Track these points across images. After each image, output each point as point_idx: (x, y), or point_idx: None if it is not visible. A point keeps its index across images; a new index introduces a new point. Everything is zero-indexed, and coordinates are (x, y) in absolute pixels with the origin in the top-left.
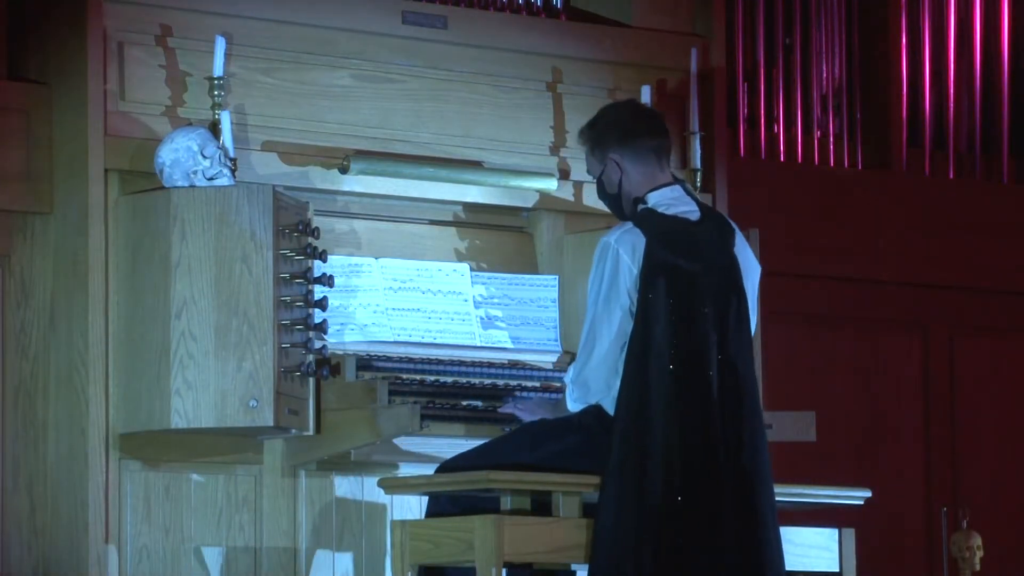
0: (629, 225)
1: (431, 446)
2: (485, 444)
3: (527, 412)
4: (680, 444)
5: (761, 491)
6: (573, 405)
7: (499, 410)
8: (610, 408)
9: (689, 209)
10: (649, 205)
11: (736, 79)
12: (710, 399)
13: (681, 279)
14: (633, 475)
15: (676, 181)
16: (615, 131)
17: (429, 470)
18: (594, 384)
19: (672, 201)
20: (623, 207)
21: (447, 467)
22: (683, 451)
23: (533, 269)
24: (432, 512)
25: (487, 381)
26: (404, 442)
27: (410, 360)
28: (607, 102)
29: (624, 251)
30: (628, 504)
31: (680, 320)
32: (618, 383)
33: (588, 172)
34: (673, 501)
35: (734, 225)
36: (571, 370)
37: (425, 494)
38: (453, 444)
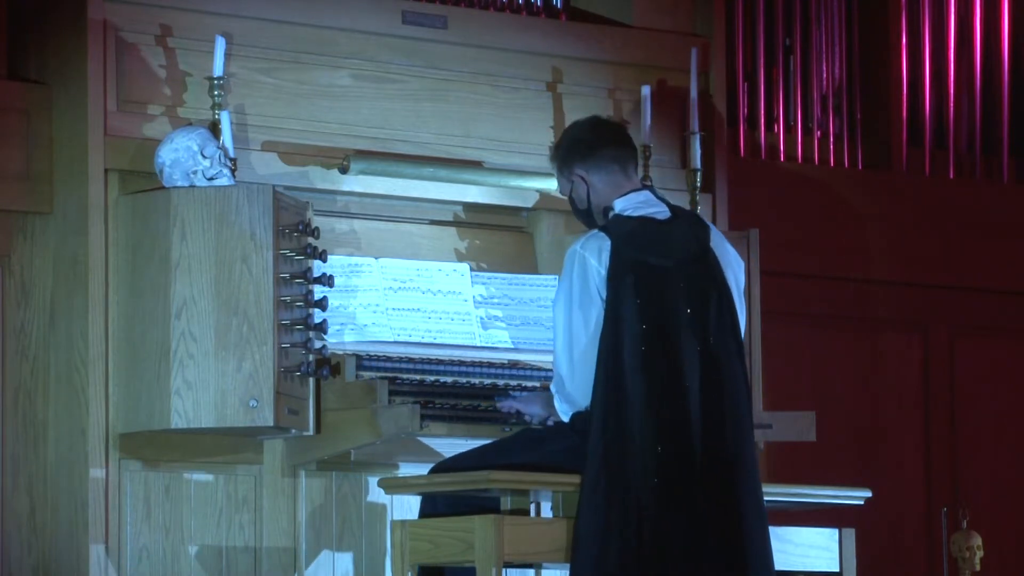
0: (595, 231)
1: (436, 445)
2: (483, 446)
3: (524, 404)
4: (656, 438)
5: (743, 482)
6: (563, 415)
7: (498, 406)
8: None
9: (657, 210)
10: (616, 211)
11: (736, 79)
12: (686, 393)
13: (650, 275)
14: (613, 471)
15: (645, 187)
16: (577, 148)
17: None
18: (580, 390)
19: (639, 204)
20: (595, 219)
21: (443, 467)
22: (661, 445)
23: (533, 269)
24: (426, 512)
25: (487, 381)
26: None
27: (410, 360)
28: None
29: (591, 255)
30: (608, 500)
31: (652, 316)
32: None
33: (560, 192)
34: (652, 496)
35: (709, 223)
36: (555, 381)
37: (425, 494)
38: (453, 444)
